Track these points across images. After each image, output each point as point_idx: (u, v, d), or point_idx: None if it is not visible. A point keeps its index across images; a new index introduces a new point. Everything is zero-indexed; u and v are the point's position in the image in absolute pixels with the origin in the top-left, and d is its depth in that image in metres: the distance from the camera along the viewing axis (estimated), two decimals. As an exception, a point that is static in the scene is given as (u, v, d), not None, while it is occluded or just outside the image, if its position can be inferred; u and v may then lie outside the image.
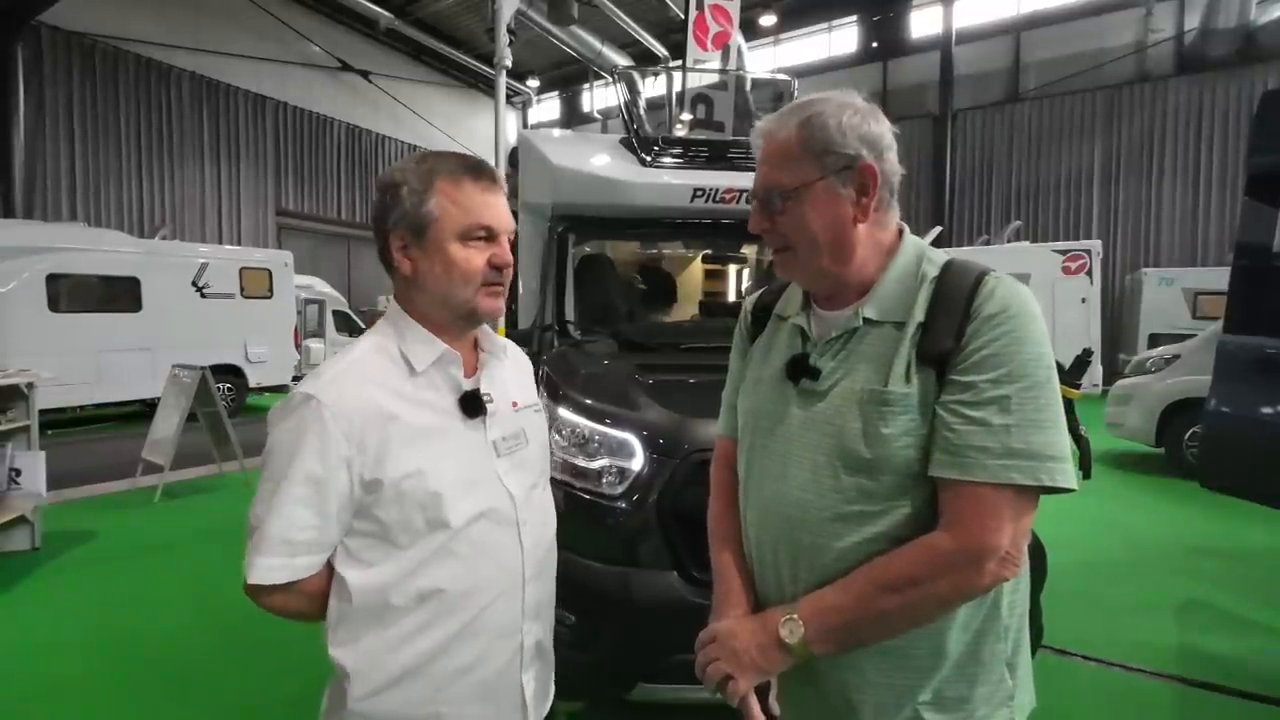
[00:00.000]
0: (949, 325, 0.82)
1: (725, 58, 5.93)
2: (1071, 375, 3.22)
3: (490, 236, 0.96)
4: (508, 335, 2.73)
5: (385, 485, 0.88)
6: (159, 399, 5.91)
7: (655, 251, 4.91)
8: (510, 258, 0.98)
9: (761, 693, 0.89)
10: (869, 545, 0.83)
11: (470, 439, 0.98)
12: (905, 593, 0.79)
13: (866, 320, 0.88)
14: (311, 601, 0.93)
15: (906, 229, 0.94)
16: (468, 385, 0.99)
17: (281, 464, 0.87)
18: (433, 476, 0.91)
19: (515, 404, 1.08)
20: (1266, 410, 2.91)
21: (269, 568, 0.87)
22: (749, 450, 1.00)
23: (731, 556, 1.01)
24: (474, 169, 0.97)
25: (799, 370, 0.92)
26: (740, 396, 1.06)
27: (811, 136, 0.86)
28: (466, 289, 0.95)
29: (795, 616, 0.83)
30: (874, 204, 0.86)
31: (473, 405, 0.98)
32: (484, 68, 17.75)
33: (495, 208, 0.97)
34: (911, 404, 0.81)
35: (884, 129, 0.87)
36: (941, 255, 0.90)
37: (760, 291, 1.12)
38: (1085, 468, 3.44)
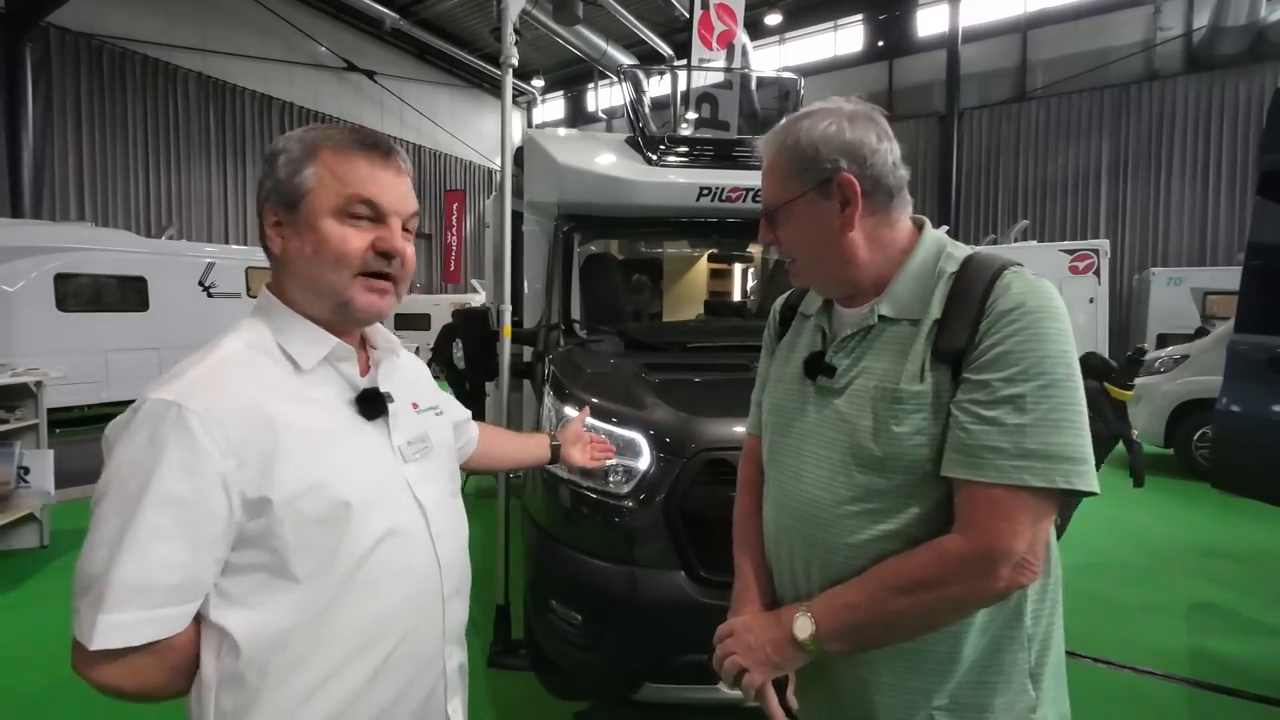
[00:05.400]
0: (964, 322, 0.80)
1: (730, 57, 5.90)
2: (1123, 376, 3.00)
3: (377, 217, 0.81)
4: (512, 335, 2.73)
5: (276, 504, 0.73)
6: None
7: (661, 250, 4.91)
8: (400, 245, 0.83)
9: (780, 686, 0.91)
10: (880, 544, 0.83)
11: (372, 444, 0.85)
12: (916, 595, 0.78)
13: (882, 318, 0.88)
14: (177, 671, 0.74)
15: (927, 224, 0.93)
16: (364, 384, 0.87)
17: (131, 489, 0.68)
18: (336, 487, 0.77)
19: (415, 406, 0.96)
20: (1278, 410, 2.88)
21: (122, 625, 0.66)
22: (770, 447, 1.01)
23: (752, 553, 1.03)
24: (369, 142, 0.83)
25: (816, 368, 0.93)
26: (764, 394, 1.07)
27: (790, 155, 0.88)
28: (338, 275, 0.80)
29: (809, 613, 0.84)
30: (859, 212, 0.86)
31: (372, 405, 0.86)
32: (489, 67, 17.79)
33: (387, 184, 0.82)
34: (924, 402, 0.81)
35: (865, 134, 0.86)
36: (965, 250, 0.89)
37: (789, 292, 1.13)
38: (1137, 475, 3.22)
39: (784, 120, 0.92)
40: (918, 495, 0.82)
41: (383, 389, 0.88)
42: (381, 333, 0.95)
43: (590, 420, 1.96)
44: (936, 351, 0.82)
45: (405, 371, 0.98)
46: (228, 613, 0.74)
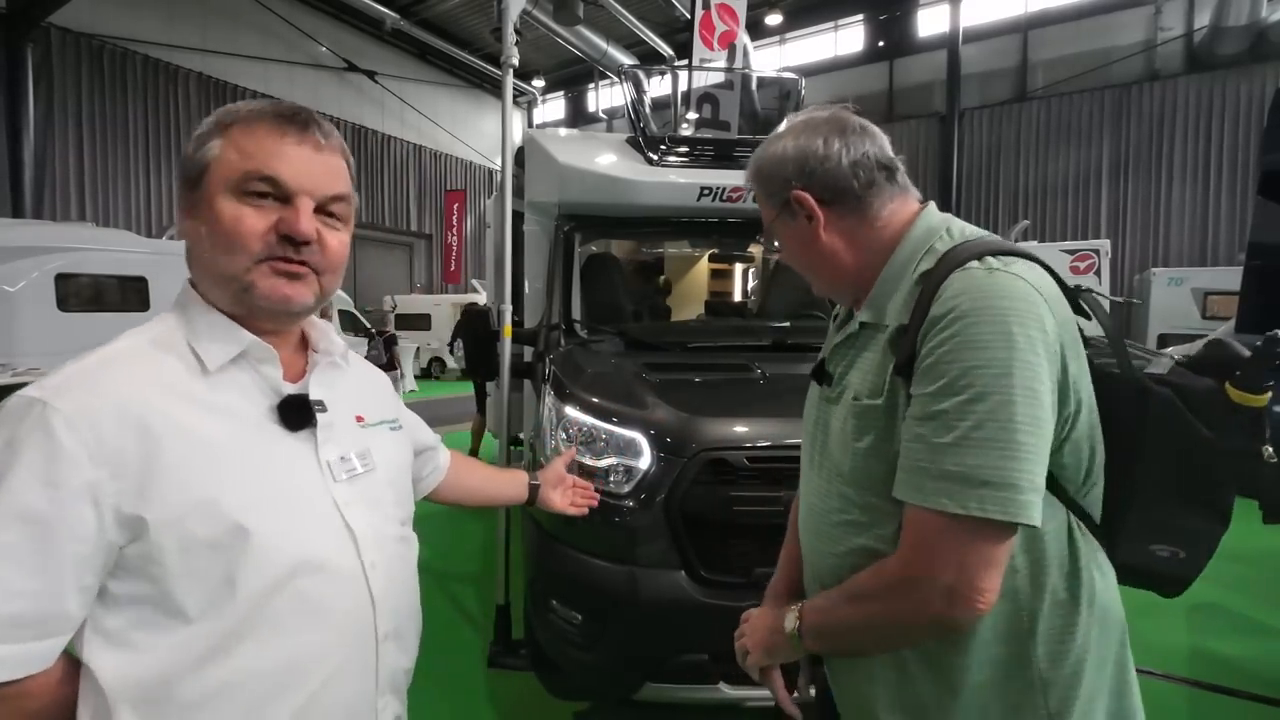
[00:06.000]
0: (914, 329, 0.74)
1: (731, 57, 5.90)
2: (1249, 376, 2.07)
3: (281, 196, 0.71)
4: (513, 335, 2.73)
5: (155, 525, 0.62)
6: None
7: (661, 250, 4.91)
8: (306, 228, 0.71)
9: (792, 675, 0.98)
10: (855, 556, 0.83)
11: (293, 459, 0.74)
12: (859, 607, 0.79)
13: (862, 324, 0.86)
14: None
15: (925, 211, 0.85)
16: (290, 389, 0.76)
17: None
18: (235, 507, 0.65)
19: (360, 419, 0.85)
20: (1278, 411, 2.88)
21: None
22: (802, 451, 1.03)
23: (787, 551, 1.08)
24: (283, 113, 0.73)
25: (820, 375, 0.95)
26: None
27: (757, 183, 0.92)
28: (234, 260, 0.69)
29: (797, 610, 0.88)
30: (823, 222, 0.85)
31: (296, 413, 0.74)
32: (489, 68, 17.81)
33: (297, 160, 0.71)
34: (878, 417, 0.78)
35: (810, 142, 0.84)
36: (954, 239, 0.80)
37: None
38: (1269, 506, 2.15)
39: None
40: (885, 513, 0.78)
41: (315, 396, 0.77)
42: (327, 334, 0.86)
43: (590, 419, 1.96)
44: (897, 363, 0.76)
45: (354, 380, 0.87)
46: (104, 653, 0.63)
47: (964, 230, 0.83)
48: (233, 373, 0.73)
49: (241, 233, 0.69)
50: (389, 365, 8.10)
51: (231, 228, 0.69)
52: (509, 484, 1.37)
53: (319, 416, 0.77)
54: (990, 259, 0.74)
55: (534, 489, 1.36)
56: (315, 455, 0.76)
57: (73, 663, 0.64)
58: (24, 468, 0.59)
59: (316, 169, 0.73)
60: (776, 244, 0.95)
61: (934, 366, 0.70)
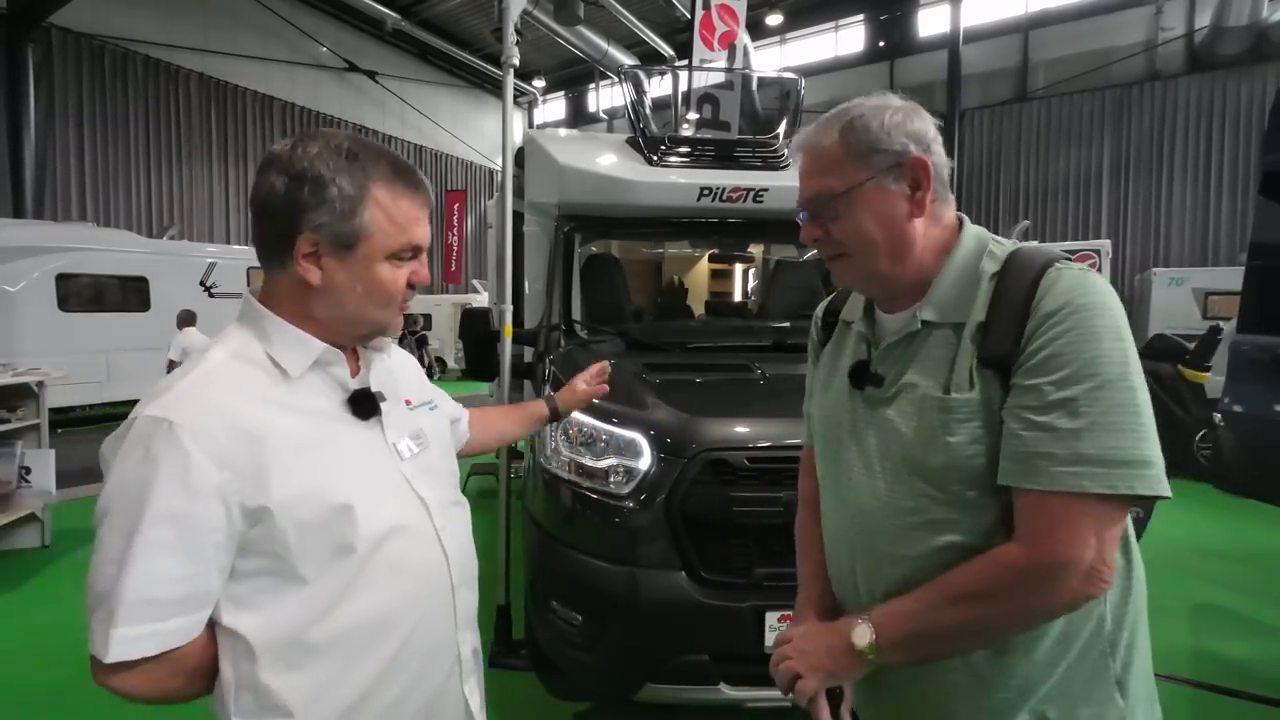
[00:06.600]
0: (1009, 325, 0.78)
1: (731, 57, 5.90)
2: (1198, 357, 2.46)
3: (416, 255, 0.88)
4: (513, 335, 2.73)
5: (275, 511, 0.75)
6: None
7: (661, 251, 4.91)
8: (427, 275, 0.91)
9: (835, 702, 0.91)
10: (943, 554, 0.81)
11: (367, 444, 0.87)
12: (974, 606, 0.77)
13: (925, 323, 0.86)
14: (194, 675, 0.77)
15: (967, 221, 0.90)
16: (355, 384, 0.89)
17: (130, 506, 0.70)
18: (333, 491, 0.79)
19: (408, 402, 0.99)
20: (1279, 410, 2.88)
21: (132, 639, 0.70)
22: (824, 459, 1.01)
23: (812, 565, 1.04)
24: (409, 177, 0.86)
25: (863, 377, 0.92)
26: (814, 404, 1.06)
27: (855, 139, 0.85)
28: (386, 311, 0.87)
29: (867, 622, 0.83)
30: (930, 197, 0.85)
31: (365, 405, 0.87)
32: (490, 68, 17.82)
33: (424, 223, 0.88)
34: (975, 410, 0.79)
35: (926, 124, 0.86)
36: (1007, 247, 0.86)
37: (830, 298, 1.12)
38: (1227, 468, 2.50)
39: (832, 111, 0.89)
40: (980, 505, 0.79)
41: (375, 388, 0.90)
42: None
43: (590, 420, 1.96)
44: (982, 357, 0.80)
45: (396, 369, 1.00)
46: (238, 616, 0.76)
47: (1002, 239, 0.89)
48: (309, 376, 0.84)
49: (398, 291, 0.86)
50: (420, 362, 8.32)
51: (393, 289, 0.85)
52: (529, 414, 1.51)
53: (381, 406, 0.89)
54: (1065, 262, 0.81)
55: (554, 410, 1.50)
56: (383, 439, 0.89)
57: (210, 628, 0.77)
58: (165, 478, 0.71)
59: (428, 226, 0.90)
60: (837, 213, 0.86)
61: (1053, 357, 0.74)
